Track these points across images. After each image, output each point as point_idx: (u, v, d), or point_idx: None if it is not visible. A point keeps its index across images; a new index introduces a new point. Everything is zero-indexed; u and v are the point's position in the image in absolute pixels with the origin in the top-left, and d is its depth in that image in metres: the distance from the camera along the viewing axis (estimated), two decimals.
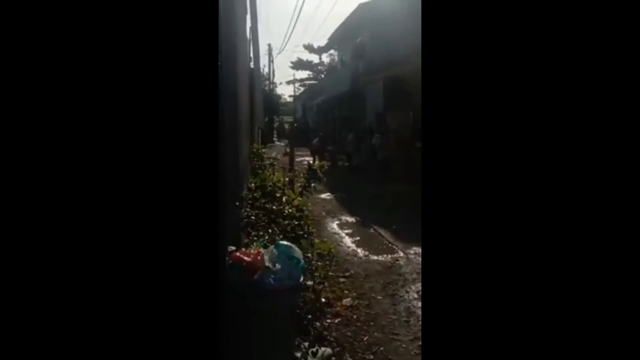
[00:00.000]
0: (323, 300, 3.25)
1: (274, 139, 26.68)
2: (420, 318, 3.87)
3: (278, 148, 19.29)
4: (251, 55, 9.25)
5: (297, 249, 2.56)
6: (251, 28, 8.58)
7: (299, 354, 2.77)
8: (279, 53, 41.21)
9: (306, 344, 2.89)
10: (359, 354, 3.27)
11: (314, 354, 2.84)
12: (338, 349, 3.25)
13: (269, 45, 33.69)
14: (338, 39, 21.79)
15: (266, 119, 21.74)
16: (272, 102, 29.67)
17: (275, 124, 31.04)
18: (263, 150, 8.73)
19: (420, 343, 3.43)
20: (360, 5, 16.49)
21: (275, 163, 7.93)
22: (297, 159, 12.72)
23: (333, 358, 3.11)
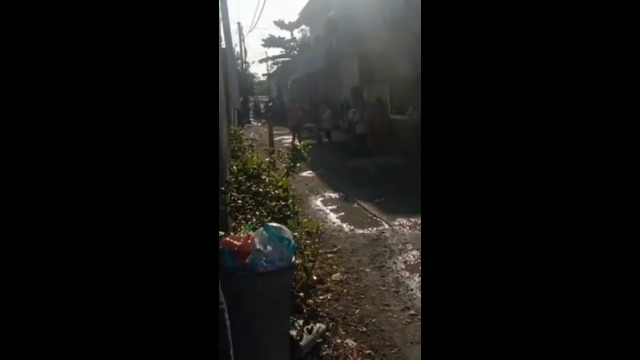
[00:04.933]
0: (314, 277, 3.28)
1: (250, 119, 26.35)
2: (409, 288, 3.96)
3: (255, 128, 19.12)
4: (222, 35, 9.04)
5: (286, 229, 2.57)
6: (220, 7, 8.37)
7: (294, 332, 2.81)
8: (249, 31, 40.51)
9: (300, 321, 2.93)
10: (352, 327, 3.34)
11: (309, 331, 2.89)
12: (331, 323, 3.31)
13: (239, 23, 33.01)
14: (309, 14, 21.45)
15: (241, 99, 21.40)
16: (246, 82, 29.21)
17: (251, 104, 30.65)
18: (241, 131, 8.61)
19: (411, 312, 3.52)
20: None
21: (254, 144, 7.87)
22: (276, 139, 12.64)
23: (327, 333, 3.17)
